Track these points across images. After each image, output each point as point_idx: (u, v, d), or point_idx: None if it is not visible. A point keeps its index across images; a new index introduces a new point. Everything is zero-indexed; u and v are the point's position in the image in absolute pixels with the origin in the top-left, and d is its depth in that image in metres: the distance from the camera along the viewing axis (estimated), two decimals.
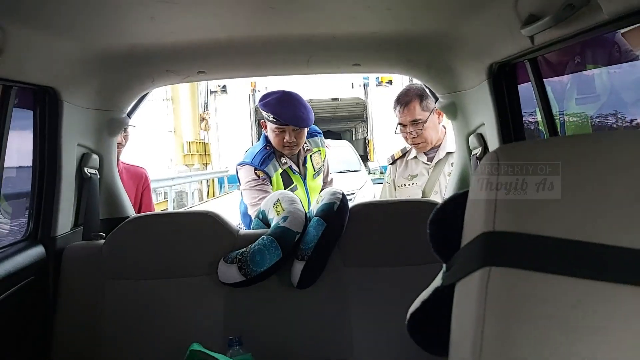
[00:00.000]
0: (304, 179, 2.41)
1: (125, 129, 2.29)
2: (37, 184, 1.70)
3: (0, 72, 1.35)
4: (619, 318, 0.45)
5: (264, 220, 1.90)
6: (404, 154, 2.56)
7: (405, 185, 2.50)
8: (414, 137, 2.38)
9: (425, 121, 2.33)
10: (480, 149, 1.91)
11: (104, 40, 1.59)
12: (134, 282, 1.70)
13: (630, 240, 0.46)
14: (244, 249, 1.67)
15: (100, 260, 1.72)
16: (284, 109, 2.18)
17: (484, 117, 1.82)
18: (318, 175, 2.49)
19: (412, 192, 2.47)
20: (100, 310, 1.67)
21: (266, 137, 2.35)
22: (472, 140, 1.96)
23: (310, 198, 2.43)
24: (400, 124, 2.40)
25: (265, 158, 2.29)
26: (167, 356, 1.60)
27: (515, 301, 0.47)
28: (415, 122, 2.35)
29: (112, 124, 2.01)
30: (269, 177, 2.28)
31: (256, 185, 2.26)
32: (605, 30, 1.15)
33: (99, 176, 1.97)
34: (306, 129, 2.30)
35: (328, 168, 2.65)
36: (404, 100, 2.36)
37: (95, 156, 1.93)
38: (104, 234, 1.85)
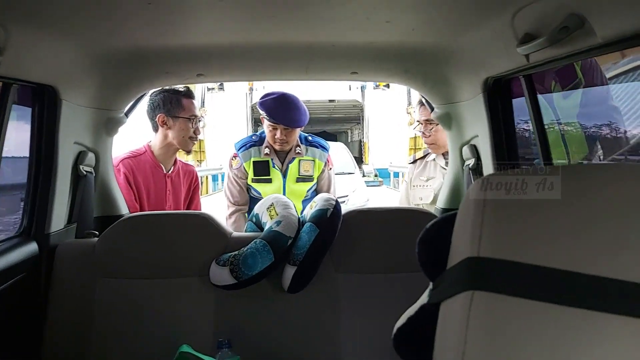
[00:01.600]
0: (284, 177, 2.56)
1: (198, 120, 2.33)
2: (32, 181, 1.70)
3: (0, 70, 1.36)
4: (598, 345, 0.47)
5: (257, 224, 1.92)
6: (425, 155, 2.61)
7: (420, 186, 2.56)
8: (425, 137, 2.48)
9: (437, 124, 2.37)
10: (473, 160, 1.94)
11: (104, 41, 1.60)
12: (126, 281, 1.71)
13: (607, 270, 0.48)
14: (237, 252, 1.69)
15: (93, 258, 1.72)
16: (277, 110, 2.39)
17: (478, 129, 1.84)
18: (303, 181, 2.59)
19: (425, 193, 2.52)
20: (92, 308, 1.68)
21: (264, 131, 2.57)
22: (466, 151, 1.99)
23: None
24: (417, 120, 2.52)
25: (247, 144, 2.56)
26: (156, 355, 1.61)
27: (496, 325, 0.49)
28: (428, 121, 2.42)
29: (109, 123, 2.02)
30: (242, 162, 2.54)
31: (228, 181, 2.60)
32: (599, 53, 1.18)
33: (94, 174, 1.98)
34: (298, 130, 2.49)
35: (329, 185, 2.68)
36: (424, 99, 2.41)
37: (91, 154, 1.94)
38: (97, 232, 1.86)
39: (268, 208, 1.84)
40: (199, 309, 1.69)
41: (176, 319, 1.68)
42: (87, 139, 1.93)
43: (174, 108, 2.24)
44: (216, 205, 1.97)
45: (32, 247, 1.66)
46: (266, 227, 1.77)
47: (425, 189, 2.52)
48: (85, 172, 1.90)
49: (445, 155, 2.48)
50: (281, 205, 1.82)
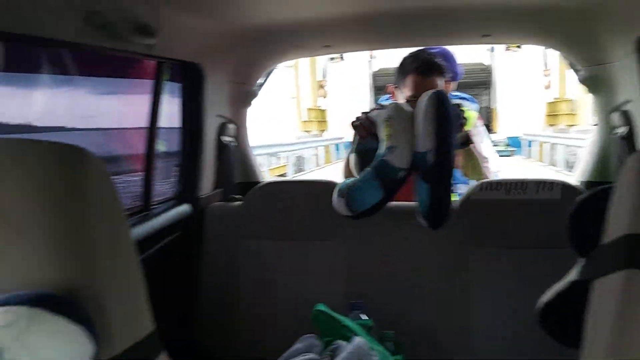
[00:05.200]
0: None
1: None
2: (184, 150, 1.91)
3: (155, 51, 1.52)
4: None
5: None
6: None
7: None
8: None
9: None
10: (624, 128, 1.75)
11: (240, 18, 1.71)
12: (264, 242, 1.85)
13: None
14: (350, 182, 1.63)
15: (237, 220, 1.89)
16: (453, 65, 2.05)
17: (630, 93, 1.66)
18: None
19: None
20: (237, 265, 1.85)
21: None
22: (615, 117, 1.80)
23: None
24: None
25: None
26: (294, 312, 1.73)
27: None
28: None
29: (245, 96, 2.18)
30: None
31: None
32: None
33: (235, 144, 2.15)
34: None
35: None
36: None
37: (232, 125, 2.11)
38: (240, 196, 2.03)
39: (386, 120, 1.56)
40: (329, 270, 1.78)
41: (309, 278, 1.79)
42: (228, 112, 2.09)
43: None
44: (336, 174, 2.00)
45: (186, 208, 1.87)
46: (378, 151, 1.59)
47: None
48: (227, 142, 2.07)
49: None
50: (399, 126, 1.53)
